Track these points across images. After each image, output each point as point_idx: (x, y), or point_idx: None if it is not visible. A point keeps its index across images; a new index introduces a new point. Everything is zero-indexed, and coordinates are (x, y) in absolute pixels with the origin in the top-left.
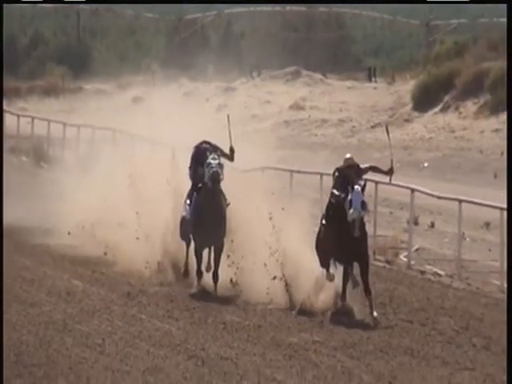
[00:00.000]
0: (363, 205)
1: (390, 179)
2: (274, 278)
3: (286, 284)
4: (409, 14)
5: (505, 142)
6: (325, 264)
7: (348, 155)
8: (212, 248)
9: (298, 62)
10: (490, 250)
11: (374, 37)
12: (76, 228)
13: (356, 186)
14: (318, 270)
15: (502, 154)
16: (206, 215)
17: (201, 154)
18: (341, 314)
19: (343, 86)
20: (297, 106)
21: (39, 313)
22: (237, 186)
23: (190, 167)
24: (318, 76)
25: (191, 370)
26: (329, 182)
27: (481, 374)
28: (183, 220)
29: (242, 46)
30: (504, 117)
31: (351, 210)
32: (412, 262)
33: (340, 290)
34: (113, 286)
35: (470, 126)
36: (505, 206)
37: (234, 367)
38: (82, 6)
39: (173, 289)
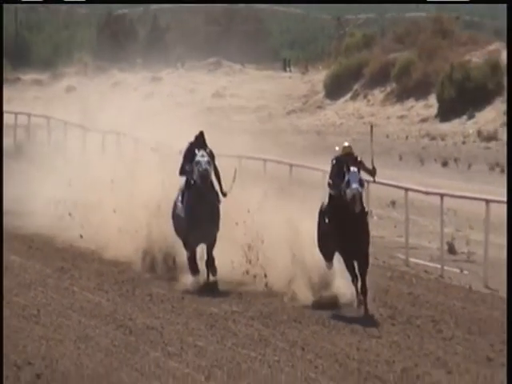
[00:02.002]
0: (361, 182)
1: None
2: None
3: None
4: (321, 10)
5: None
6: (327, 258)
7: (346, 143)
8: (205, 245)
9: (219, 53)
10: (395, 227)
11: (289, 30)
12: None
13: (352, 168)
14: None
15: (407, 138)
16: (197, 213)
17: (190, 151)
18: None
19: (261, 75)
20: (218, 95)
21: None
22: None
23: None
24: (238, 66)
25: (120, 339)
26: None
27: (386, 341)
28: (177, 217)
29: (168, 39)
30: (409, 104)
31: (350, 188)
32: None
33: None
34: (47, 261)
35: (378, 113)
36: (410, 186)
37: (159, 336)
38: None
39: (102, 264)
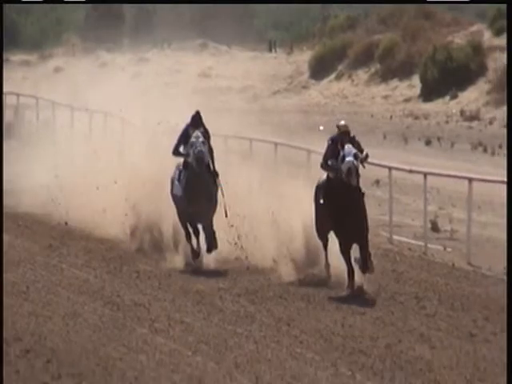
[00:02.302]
0: (356, 156)
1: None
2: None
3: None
4: None
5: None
6: (323, 240)
7: (342, 122)
8: (202, 225)
9: (205, 34)
10: (379, 205)
11: (274, 12)
12: None
13: (347, 145)
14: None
15: (391, 117)
16: (193, 193)
17: (185, 132)
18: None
19: (246, 56)
20: (204, 75)
21: None
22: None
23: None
24: (224, 48)
25: (107, 315)
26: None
27: (371, 317)
28: (175, 196)
29: (154, 20)
30: (393, 84)
31: (344, 161)
32: None
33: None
34: (36, 239)
35: (362, 93)
36: (394, 165)
37: (146, 312)
38: None
39: (90, 242)
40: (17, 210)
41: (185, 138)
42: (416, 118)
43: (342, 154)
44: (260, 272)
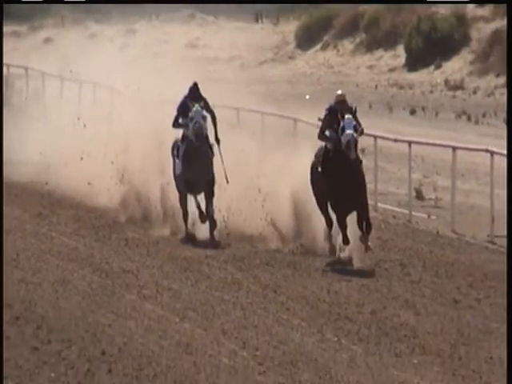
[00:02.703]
0: (355, 128)
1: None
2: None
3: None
4: None
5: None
6: (323, 210)
7: (339, 91)
8: (202, 195)
9: (192, 5)
10: (365, 174)
11: None
12: None
13: (347, 115)
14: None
15: (376, 87)
16: (192, 163)
17: (184, 104)
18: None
19: (233, 27)
20: (192, 45)
21: None
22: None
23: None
24: (211, 18)
25: (96, 282)
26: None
27: (356, 284)
28: (175, 175)
29: None
30: (378, 54)
31: (344, 134)
32: None
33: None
34: (26, 207)
35: (347, 63)
36: (379, 133)
37: (134, 279)
38: None
39: (80, 210)
40: (7, 179)
41: (183, 109)
42: (401, 87)
43: (342, 124)
44: (247, 240)
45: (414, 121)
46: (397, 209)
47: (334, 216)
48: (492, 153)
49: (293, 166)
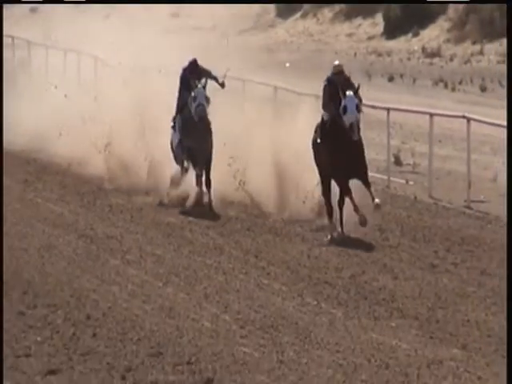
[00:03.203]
0: (358, 108)
1: None
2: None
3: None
4: None
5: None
6: (325, 181)
7: (337, 62)
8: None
9: None
10: None
11: None
12: None
13: (348, 92)
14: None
15: (355, 55)
16: (190, 130)
17: (187, 79)
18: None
19: None
20: (174, 15)
21: None
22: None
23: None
24: None
25: (81, 247)
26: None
27: (335, 249)
28: (173, 145)
29: None
30: (357, 22)
31: (347, 115)
32: None
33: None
34: (12, 174)
35: (327, 31)
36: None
37: (118, 244)
38: None
39: (65, 177)
40: None
41: (186, 85)
42: (379, 55)
43: (343, 103)
44: (228, 206)
45: (392, 88)
46: (376, 174)
47: (336, 186)
48: (468, 119)
49: (273, 132)
